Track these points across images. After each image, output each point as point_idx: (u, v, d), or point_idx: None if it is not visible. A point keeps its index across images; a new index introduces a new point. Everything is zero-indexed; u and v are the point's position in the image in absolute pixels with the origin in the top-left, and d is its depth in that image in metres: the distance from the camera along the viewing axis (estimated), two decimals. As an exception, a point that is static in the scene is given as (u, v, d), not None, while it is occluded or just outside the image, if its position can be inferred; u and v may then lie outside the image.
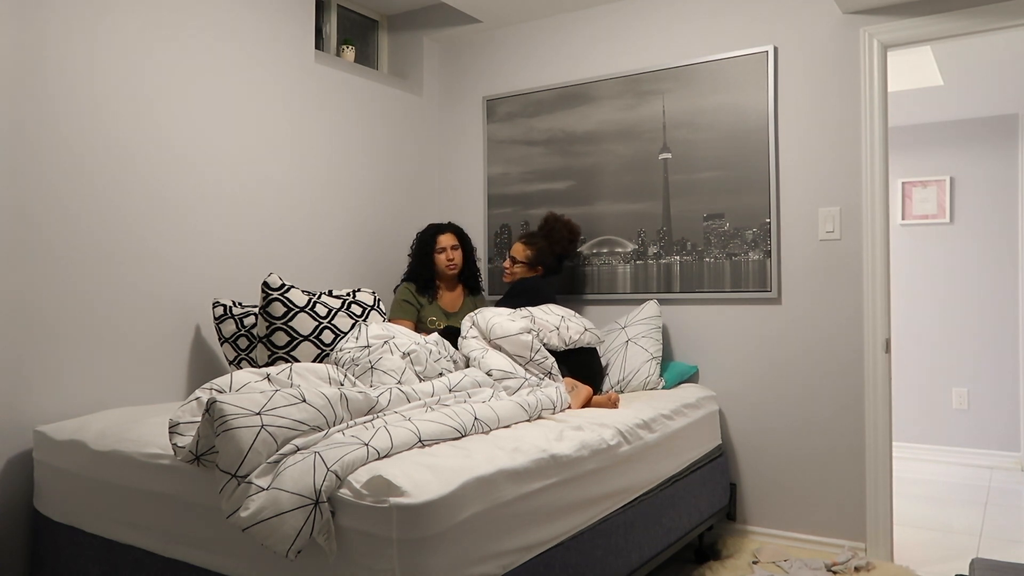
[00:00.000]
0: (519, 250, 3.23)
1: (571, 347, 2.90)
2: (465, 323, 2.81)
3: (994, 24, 2.73)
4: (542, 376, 2.71)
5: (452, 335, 2.97)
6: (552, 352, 2.86)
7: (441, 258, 3.29)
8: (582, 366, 2.91)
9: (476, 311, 2.84)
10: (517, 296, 3.11)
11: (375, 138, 3.60)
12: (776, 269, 3.09)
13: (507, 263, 3.28)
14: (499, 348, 2.73)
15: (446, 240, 3.30)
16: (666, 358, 3.31)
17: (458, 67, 3.93)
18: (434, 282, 3.33)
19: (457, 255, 3.30)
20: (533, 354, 2.69)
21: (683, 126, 3.29)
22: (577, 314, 3.05)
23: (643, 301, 3.37)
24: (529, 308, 2.93)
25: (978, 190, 4.81)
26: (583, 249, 3.52)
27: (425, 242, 3.32)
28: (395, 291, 3.36)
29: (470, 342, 2.73)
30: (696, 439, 2.83)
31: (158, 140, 2.68)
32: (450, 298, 3.36)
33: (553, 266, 3.26)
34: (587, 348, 2.97)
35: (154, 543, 1.93)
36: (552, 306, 2.99)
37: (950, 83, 4.14)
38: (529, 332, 2.75)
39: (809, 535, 3.03)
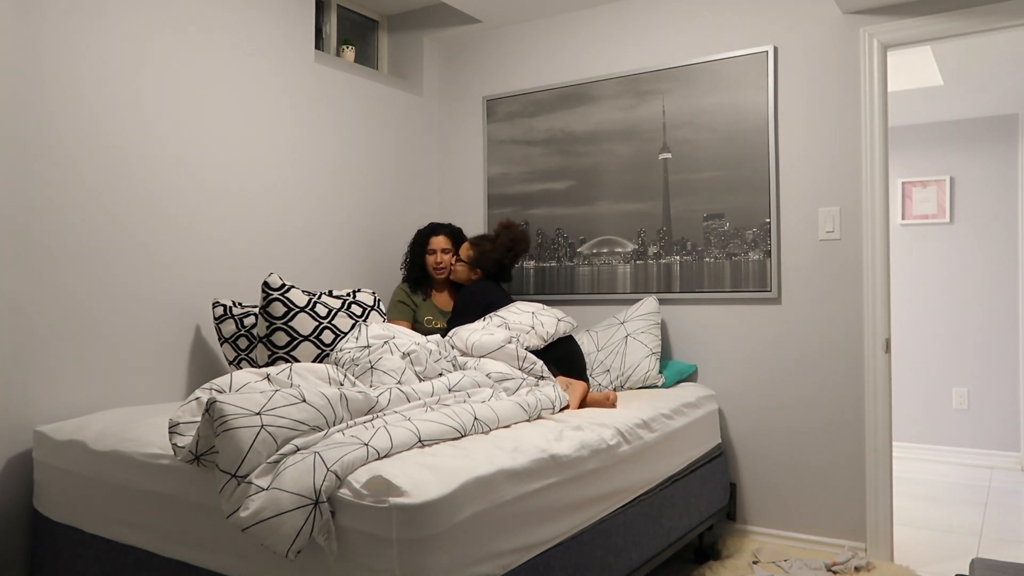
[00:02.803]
0: (464, 248, 3.23)
1: (550, 341, 2.89)
2: (443, 344, 2.74)
3: (994, 24, 2.73)
4: (535, 380, 2.71)
5: None
6: (532, 351, 2.85)
7: (431, 260, 3.30)
8: (565, 358, 2.90)
9: (451, 332, 2.81)
10: (473, 309, 3.05)
11: (375, 138, 3.60)
12: (776, 269, 3.09)
13: (452, 258, 3.29)
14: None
15: (438, 242, 3.31)
16: (665, 357, 3.31)
17: (458, 67, 3.93)
18: (427, 280, 3.34)
19: (447, 258, 3.30)
20: (521, 363, 2.67)
21: (683, 126, 3.29)
22: (544, 306, 3.03)
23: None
24: (499, 314, 2.90)
25: (978, 190, 4.81)
26: (583, 249, 3.52)
27: (418, 242, 3.36)
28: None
29: (458, 359, 2.71)
30: (696, 439, 2.83)
31: (157, 141, 2.69)
32: (445, 297, 3.36)
33: (493, 272, 3.20)
34: (564, 338, 2.96)
35: (154, 543, 1.93)
36: (519, 304, 2.98)
37: (950, 83, 4.14)
38: (510, 341, 2.72)
39: (809, 535, 3.03)
